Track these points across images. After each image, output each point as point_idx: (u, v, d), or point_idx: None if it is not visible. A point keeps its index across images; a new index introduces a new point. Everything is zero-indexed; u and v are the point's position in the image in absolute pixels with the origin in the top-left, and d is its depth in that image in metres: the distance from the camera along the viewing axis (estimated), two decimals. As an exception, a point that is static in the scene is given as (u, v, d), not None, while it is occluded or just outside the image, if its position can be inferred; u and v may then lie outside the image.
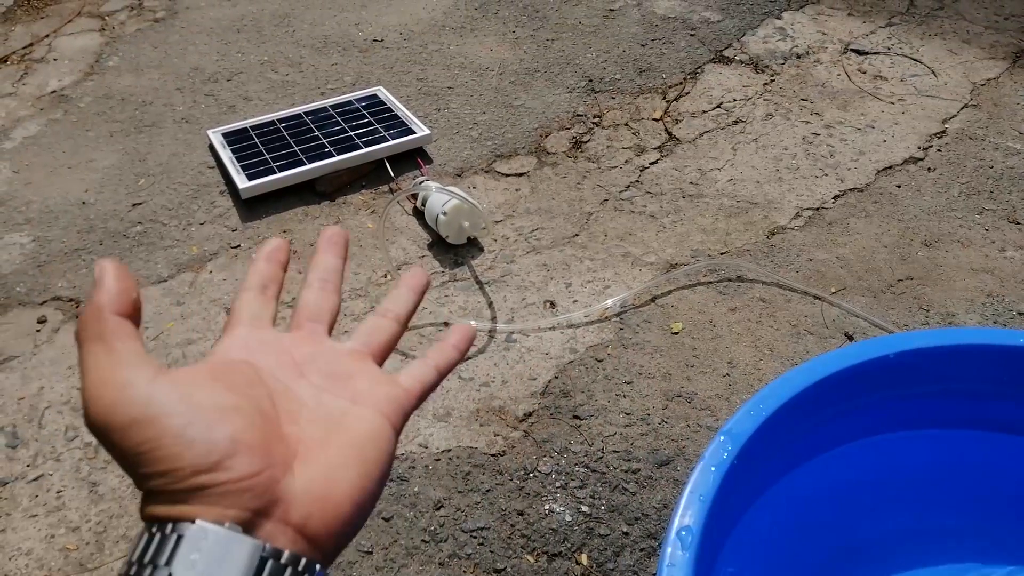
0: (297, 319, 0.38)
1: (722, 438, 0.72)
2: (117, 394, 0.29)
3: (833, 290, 1.39)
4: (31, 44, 2.22)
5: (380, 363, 0.38)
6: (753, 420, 0.74)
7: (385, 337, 0.39)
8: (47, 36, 2.26)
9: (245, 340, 0.35)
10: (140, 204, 1.63)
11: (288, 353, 0.35)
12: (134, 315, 0.32)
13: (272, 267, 0.39)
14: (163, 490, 0.28)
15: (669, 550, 0.64)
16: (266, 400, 0.32)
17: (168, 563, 0.26)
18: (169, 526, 0.27)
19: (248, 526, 0.28)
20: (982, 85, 1.94)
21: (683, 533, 0.66)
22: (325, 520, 0.30)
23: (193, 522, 0.27)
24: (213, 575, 0.26)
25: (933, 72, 2.00)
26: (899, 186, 1.63)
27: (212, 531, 0.27)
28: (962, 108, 1.87)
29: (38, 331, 1.36)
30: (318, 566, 0.29)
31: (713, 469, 0.70)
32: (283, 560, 0.28)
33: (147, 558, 0.27)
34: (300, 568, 0.28)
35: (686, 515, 0.67)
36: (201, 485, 0.28)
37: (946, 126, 1.81)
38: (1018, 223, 1.52)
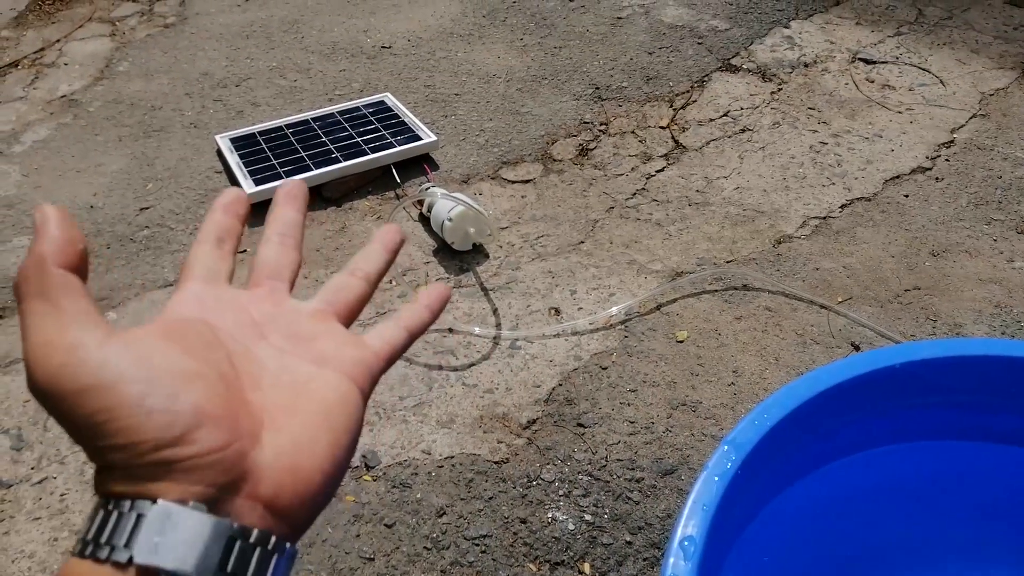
0: (255, 276, 0.35)
1: (726, 448, 0.71)
2: (65, 357, 0.26)
3: (840, 299, 1.38)
4: (42, 49, 2.24)
5: (347, 324, 0.35)
6: (757, 430, 0.73)
7: (352, 296, 0.36)
8: (58, 41, 2.28)
9: (200, 297, 0.32)
10: (148, 208, 1.63)
11: (247, 312, 0.33)
12: (81, 268, 0.29)
13: (229, 219, 0.36)
14: (121, 464, 0.25)
15: (672, 560, 0.64)
16: (226, 364, 0.29)
17: (128, 544, 0.25)
18: (127, 503, 0.25)
19: (215, 503, 0.26)
20: (991, 95, 1.94)
21: (686, 543, 0.65)
22: (296, 493, 0.28)
23: (155, 501, 0.25)
24: (178, 559, 0.24)
25: (942, 82, 2.00)
26: (907, 196, 1.63)
27: (175, 511, 0.25)
28: (971, 118, 1.86)
29: (44, 334, 1.36)
30: (287, 543, 0.28)
31: (716, 479, 0.69)
32: (252, 539, 0.26)
33: (103, 537, 0.25)
34: (270, 546, 0.27)
35: (689, 525, 0.66)
36: (164, 460, 0.25)
37: (954, 136, 1.80)
38: (1027, 234, 1.51)
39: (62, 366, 0.26)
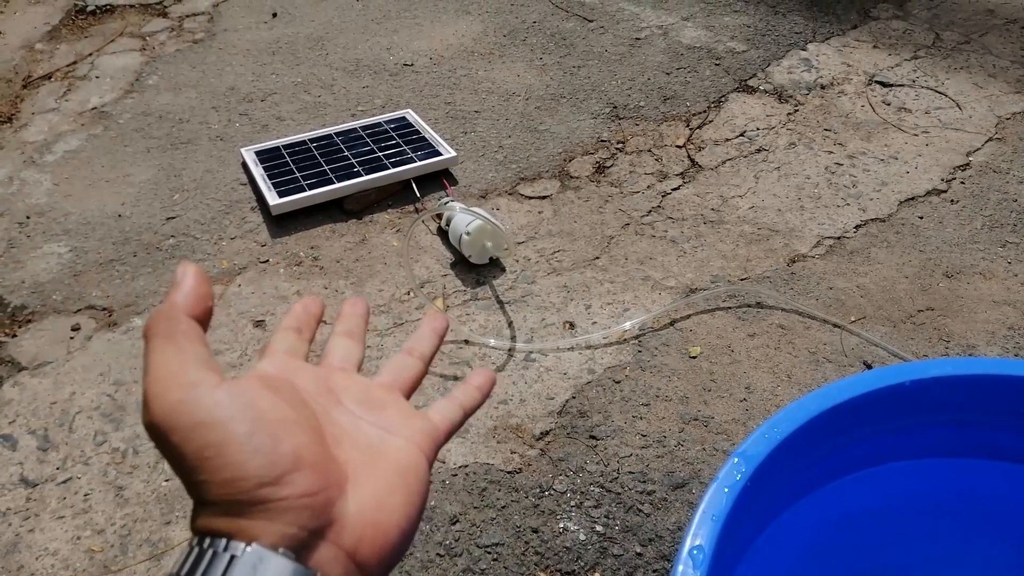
0: (326, 361, 0.39)
1: (736, 460, 0.73)
2: (184, 394, 0.29)
3: (853, 319, 1.39)
4: (75, 62, 2.30)
5: (407, 398, 0.39)
6: (767, 443, 0.75)
7: (412, 374, 0.41)
8: (90, 55, 2.34)
9: (283, 364, 0.36)
10: (174, 218, 1.68)
11: (324, 380, 0.36)
12: (205, 320, 0.33)
13: (308, 315, 0.41)
14: (221, 500, 0.27)
15: (681, 568, 0.65)
16: (315, 419, 0.32)
17: None
18: (223, 543, 0.27)
19: (303, 546, 0.28)
20: (1007, 119, 1.95)
21: (695, 552, 0.67)
22: (375, 546, 0.30)
23: (249, 544, 0.27)
24: None
25: (958, 105, 2.01)
26: (921, 217, 1.64)
27: (267, 556, 0.26)
28: (987, 141, 1.87)
29: (72, 338, 1.40)
30: None
31: (726, 490, 0.71)
32: None
33: (197, 575, 0.26)
34: None
35: (698, 535, 0.68)
36: (263, 498, 0.27)
37: (970, 159, 1.81)
38: (1042, 257, 1.52)
39: (180, 402, 0.29)
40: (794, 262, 1.53)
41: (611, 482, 1.13)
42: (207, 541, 0.27)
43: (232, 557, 0.26)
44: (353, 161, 1.74)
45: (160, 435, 0.29)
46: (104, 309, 1.46)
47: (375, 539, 0.30)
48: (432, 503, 1.11)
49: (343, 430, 0.33)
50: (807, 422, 0.77)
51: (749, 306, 1.43)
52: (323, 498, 0.29)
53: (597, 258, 1.56)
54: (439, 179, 1.76)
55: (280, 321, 0.40)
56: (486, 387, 0.42)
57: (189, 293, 0.32)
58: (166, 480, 1.16)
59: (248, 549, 0.27)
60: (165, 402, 0.29)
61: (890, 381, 0.80)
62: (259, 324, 1.42)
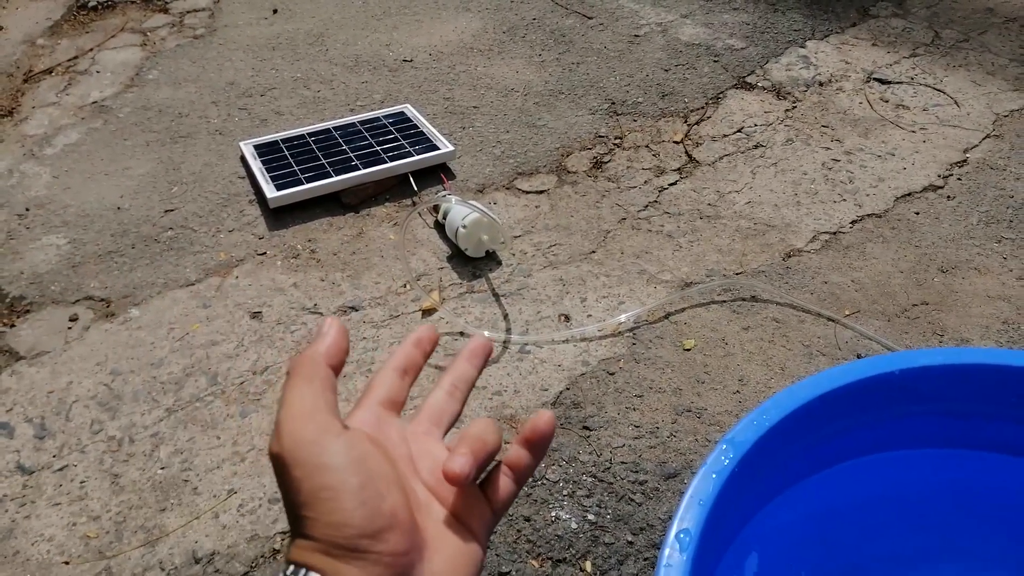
0: (421, 415, 0.41)
1: (724, 446, 0.73)
2: (315, 436, 0.32)
3: (847, 313, 1.39)
4: (76, 57, 2.31)
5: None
6: (756, 430, 0.75)
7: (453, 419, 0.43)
8: (91, 50, 2.35)
9: (378, 418, 0.38)
10: (172, 211, 1.68)
11: (407, 444, 0.38)
12: (339, 370, 0.36)
13: (417, 354, 0.43)
14: (322, 539, 0.31)
15: (667, 551, 0.66)
16: (406, 482, 0.36)
17: None
18: None
19: None
20: (1005, 116, 1.95)
21: (682, 535, 0.67)
22: None
23: None
24: None
25: (956, 102, 2.01)
26: (917, 213, 1.64)
27: None
28: (984, 138, 1.87)
29: (69, 328, 1.41)
30: None
31: (714, 476, 0.71)
32: None
33: None
34: None
35: (685, 518, 0.68)
36: (359, 548, 0.31)
37: (967, 155, 1.81)
38: (1037, 252, 1.52)
39: (310, 442, 0.32)
40: (789, 256, 1.54)
41: (603, 472, 1.13)
42: (303, 572, 0.31)
43: None
44: (351, 155, 1.75)
45: (284, 465, 0.32)
46: (102, 300, 1.47)
47: None
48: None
49: (419, 500, 0.36)
50: (796, 410, 0.77)
51: (744, 300, 1.43)
52: (408, 560, 0.32)
53: (593, 252, 1.56)
54: (437, 173, 1.77)
55: (391, 355, 0.42)
56: (539, 452, 0.41)
57: (331, 345, 0.36)
58: (161, 468, 1.16)
59: None
60: (297, 438, 0.32)
61: (880, 370, 0.81)
62: (256, 316, 1.42)
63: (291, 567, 0.31)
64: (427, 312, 1.43)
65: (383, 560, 0.31)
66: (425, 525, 0.35)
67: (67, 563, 1.05)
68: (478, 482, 0.39)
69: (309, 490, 0.31)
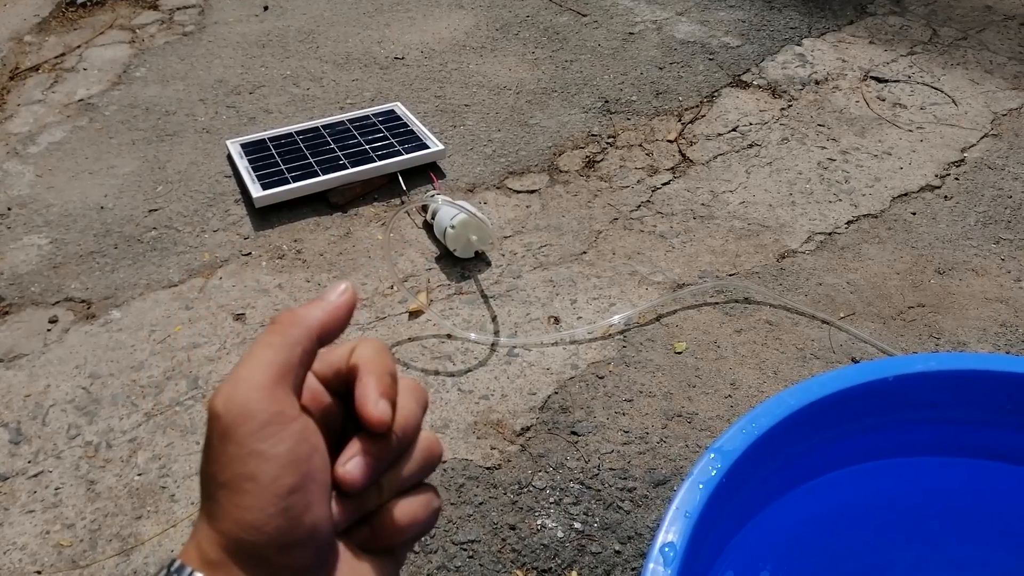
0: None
1: (712, 455, 0.70)
2: (270, 415, 0.29)
3: (842, 315, 1.37)
4: (63, 54, 2.28)
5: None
6: (745, 438, 0.72)
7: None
8: (79, 47, 2.32)
9: (319, 402, 0.34)
10: (156, 210, 1.66)
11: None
12: (324, 344, 0.32)
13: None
14: (228, 534, 0.28)
15: (651, 566, 0.63)
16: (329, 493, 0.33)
17: None
18: None
19: None
20: (1004, 115, 1.92)
21: (666, 549, 0.64)
22: None
23: None
24: None
25: (954, 101, 1.98)
26: (914, 213, 1.61)
27: None
28: (982, 137, 1.84)
29: (49, 331, 1.38)
30: None
31: (701, 486, 0.69)
32: None
33: None
34: None
35: (670, 531, 0.65)
36: (263, 557, 0.28)
37: (965, 155, 1.79)
38: (1035, 253, 1.49)
39: (260, 421, 0.28)
40: (784, 258, 1.51)
41: (591, 479, 1.10)
42: (187, 571, 0.28)
43: None
44: (339, 154, 1.72)
45: (219, 432, 0.28)
46: (83, 301, 1.44)
47: None
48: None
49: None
50: (786, 417, 0.75)
51: (737, 301, 1.41)
52: None
53: (584, 253, 1.54)
54: (426, 173, 1.74)
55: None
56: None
57: (330, 313, 0.31)
58: (138, 475, 1.14)
59: None
60: (247, 409, 0.28)
61: (872, 376, 0.78)
62: (239, 318, 1.39)
63: (176, 564, 0.28)
64: (414, 314, 1.40)
65: (285, 573, 0.28)
66: (341, 543, 0.31)
67: (39, 572, 1.02)
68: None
69: (234, 474, 0.27)
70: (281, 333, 0.29)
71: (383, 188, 1.71)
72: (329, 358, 0.33)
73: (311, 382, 0.32)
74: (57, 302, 1.44)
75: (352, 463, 0.30)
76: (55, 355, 1.33)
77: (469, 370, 1.29)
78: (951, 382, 0.80)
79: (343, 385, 0.33)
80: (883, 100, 2.00)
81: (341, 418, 0.33)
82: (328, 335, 0.31)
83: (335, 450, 0.31)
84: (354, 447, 0.31)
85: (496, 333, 1.36)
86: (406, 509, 0.32)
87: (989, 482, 0.85)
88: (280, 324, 0.30)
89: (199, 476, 0.29)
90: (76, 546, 1.05)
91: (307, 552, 0.28)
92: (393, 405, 0.31)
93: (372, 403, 0.30)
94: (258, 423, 0.27)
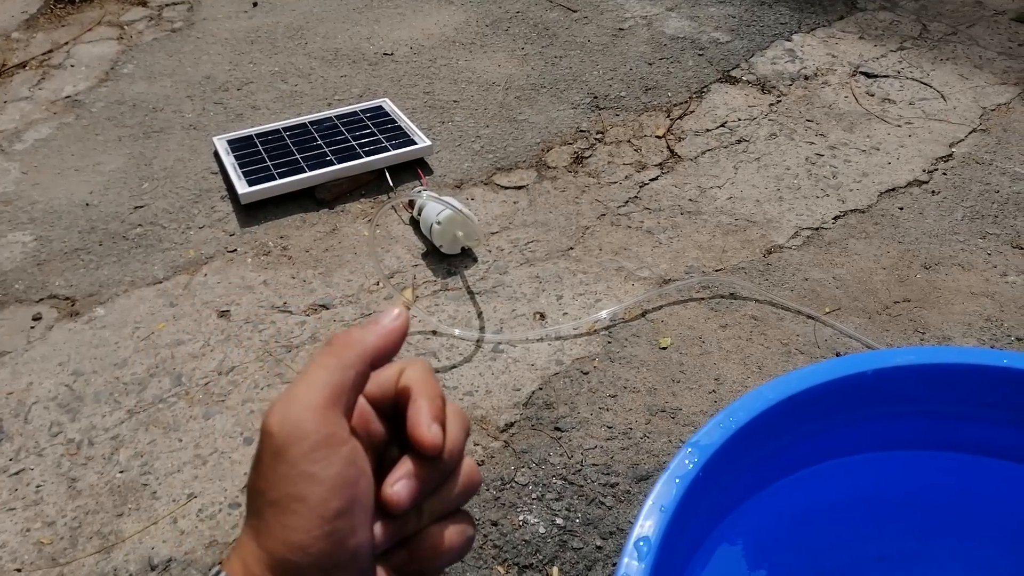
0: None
1: (689, 449, 0.70)
2: (322, 437, 0.30)
3: (827, 310, 1.37)
4: (50, 51, 2.27)
5: None
6: (722, 432, 0.72)
7: None
8: (66, 43, 2.31)
9: (367, 425, 0.35)
10: (142, 207, 1.65)
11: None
12: (375, 368, 0.32)
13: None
14: (270, 550, 0.28)
15: (625, 560, 0.63)
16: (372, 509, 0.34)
17: None
18: None
19: None
20: (992, 110, 1.92)
21: (640, 544, 0.64)
22: None
23: None
24: None
25: (943, 96, 1.98)
26: (901, 208, 1.61)
27: None
28: (970, 132, 1.84)
29: (32, 328, 1.37)
30: None
31: (677, 480, 0.68)
32: None
33: None
34: None
35: (645, 526, 0.65)
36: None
37: (953, 150, 1.79)
38: (1021, 248, 1.49)
39: (313, 443, 0.29)
40: (770, 253, 1.51)
41: (574, 474, 1.10)
42: None
43: None
44: (326, 150, 1.71)
45: (272, 450, 0.28)
46: (67, 299, 1.43)
47: None
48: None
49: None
50: (764, 412, 0.75)
51: (722, 297, 1.40)
52: None
53: (571, 249, 1.53)
54: (414, 169, 1.74)
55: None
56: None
57: (384, 338, 0.32)
58: (120, 472, 1.13)
59: None
60: (301, 429, 0.28)
61: (851, 370, 0.78)
62: (223, 314, 1.39)
63: (221, 574, 0.29)
64: (399, 310, 1.39)
65: None
66: (377, 561, 0.31)
67: (19, 570, 1.02)
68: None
69: (284, 494, 0.28)
70: (336, 355, 0.30)
71: (370, 184, 1.71)
72: (378, 379, 0.33)
73: (360, 403, 0.33)
74: (41, 299, 1.43)
75: (400, 484, 0.31)
76: (38, 352, 1.33)
77: (454, 366, 1.28)
78: (931, 376, 0.80)
79: (391, 407, 0.33)
80: (872, 95, 2.00)
81: (386, 440, 0.34)
82: (381, 359, 0.31)
83: (378, 471, 0.32)
84: (402, 468, 0.31)
85: (481, 329, 1.35)
86: (444, 535, 0.32)
87: (970, 476, 0.85)
88: (335, 346, 0.30)
89: (246, 491, 0.29)
90: (56, 544, 1.04)
91: (349, 575, 0.29)
92: (443, 429, 0.32)
93: (425, 427, 0.31)
94: (310, 444, 0.28)
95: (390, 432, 0.34)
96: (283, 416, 0.28)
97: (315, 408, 0.29)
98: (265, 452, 0.29)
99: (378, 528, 0.31)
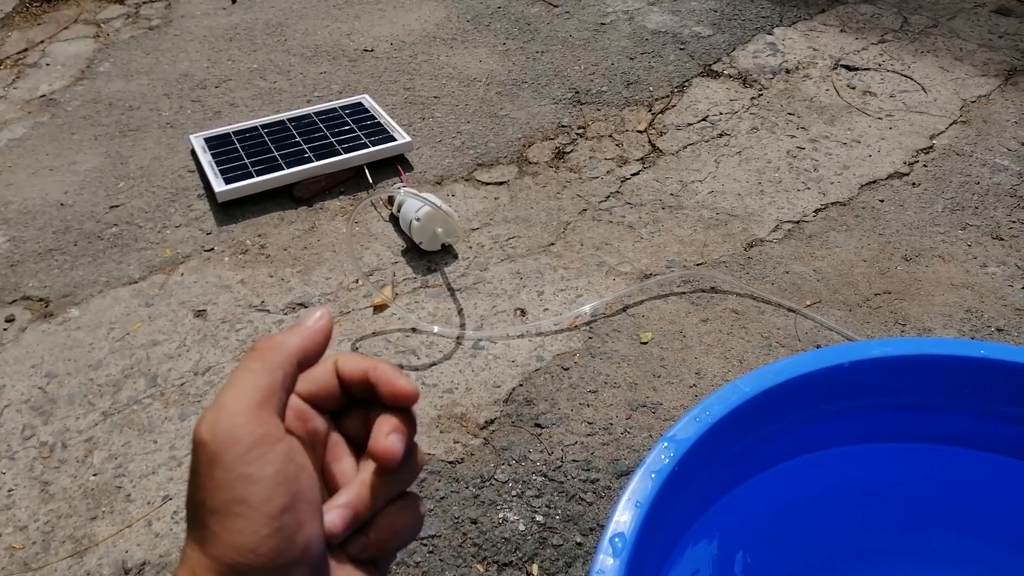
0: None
1: (665, 444, 0.69)
2: (256, 439, 0.29)
3: (808, 303, 1.36)
4: (25, 49, 2.24)
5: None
6: (698, 426, 0.71)
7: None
8: (42, 42, 2.28)
9: (304, 421, 0.35)
10: (117, 207, 1.63)
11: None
12: (303, 370, 0.33)
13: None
14: (220, 558, 0.28)
15: (600, 556, 0.62)
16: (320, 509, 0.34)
17: None
18: None
19: None
20: (972, 102, 1.92)
21: (616, 540, 0.63)
22: None
23: None
24: None
25: (923, 88, 1.99)
26: (882, 201, 1.61)
27: None
28: (951, 124, 1.85)
29: (5, 330, 1.35)
30: None
31: (653, 475, 0.67)
32: None
33: None
34: None
35: (620, 521, 0.64)
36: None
37: (933, 142, 1.79)
38: (1001, 239, 1.50)
39: (247, 445, 0.28)
40: (751, 247, 1.50)
41: (554, 471, 1.09)
42: None
43: None
44: (305, 147, 1.70)
45: (206, 459, 0.28)
46: (41, 300, 1.41)
47: None
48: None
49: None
50: (741, 405, 0.74)
51: (703, 291, 1.40)
52: None
53: (552, 244, 1.52)
54: (394, 165, 1.72)
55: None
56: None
57: (309, 339, 0.32)
58: (94, 475, 1.11)
59: None
60: (233, 434, 0.28)
61: (829, 362, 0.77)
62: (200, 314, 1.37)
63: None
64: (379, 308, 1.38)
65: None
66: (330, 556, 0.31)
67: (-11, 577, 1.00)
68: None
69: (224, 500, 0.27)
70: (261, 359, 0.30)
71: (349, 181, 1.69)
72: (312, 376, 0.34)
73: (296, 403, 0.33)
74: (14, 301, 1.41)
75: (394, 436, 0.31)
76: (11, 355, 1.30)
77: (434, 364, 1.27)
78: (908, 368, 0.80)
79: (333, 400, 0.34)
80: (853, 88, 2.00)
81: (326, 436, 0.34)
82: (308, 359, 0.32)
83: (321, 469, 0.33)
84: (388, 424, 0.32)
85: (461, 326, 1.34)
86: (400, 514, 0.33)
87: (949, 468, 0.84)
88: (259, 350, 0.31)
89: (186, 506, 0.29)
90: (28, 548, 1.03)
91: (302, 571, 0.28)
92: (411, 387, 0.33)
93: (404, 381, 0.32)
94: (244, 446, 0.28)
95: (329, 428, 0.34)
96: (214, 424, 0.28)
97: (245, 412, 0.28)
98: (200, 462, 0.28)
99: (335, 518, 0.31)
